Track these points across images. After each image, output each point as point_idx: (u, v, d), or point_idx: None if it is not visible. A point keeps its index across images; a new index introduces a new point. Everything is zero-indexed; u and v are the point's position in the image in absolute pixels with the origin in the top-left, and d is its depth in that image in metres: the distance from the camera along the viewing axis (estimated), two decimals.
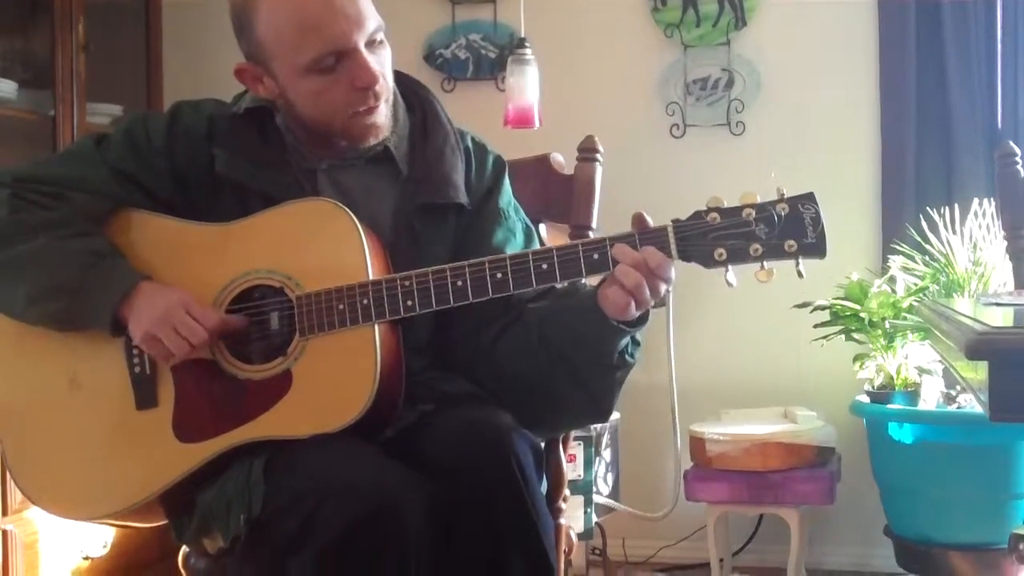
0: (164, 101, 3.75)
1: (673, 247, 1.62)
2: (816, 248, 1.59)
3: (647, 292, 1.62)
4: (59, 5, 3.31)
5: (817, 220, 1.59)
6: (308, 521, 1.56)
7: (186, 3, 3.95)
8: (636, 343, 1.74)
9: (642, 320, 1.69)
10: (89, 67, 3.40)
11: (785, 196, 1.60)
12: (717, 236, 1.61)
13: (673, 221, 1.64)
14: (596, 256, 1.64)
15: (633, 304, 1.63)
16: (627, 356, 1.73)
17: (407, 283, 1.67)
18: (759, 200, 1.61)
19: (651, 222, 1.65)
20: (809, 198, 1.60)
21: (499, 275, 1.66)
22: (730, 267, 1.61)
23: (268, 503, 1.61)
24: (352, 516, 1.54)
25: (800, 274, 1.61)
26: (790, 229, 1.59)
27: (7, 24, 3.44)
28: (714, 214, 1.62)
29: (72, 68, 3.34)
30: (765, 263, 1.60)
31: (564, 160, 2.13)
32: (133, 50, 3.77)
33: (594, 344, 1.70)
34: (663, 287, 1.64)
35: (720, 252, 1.61)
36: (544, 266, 1.65)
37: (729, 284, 1.62)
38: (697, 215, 1.63)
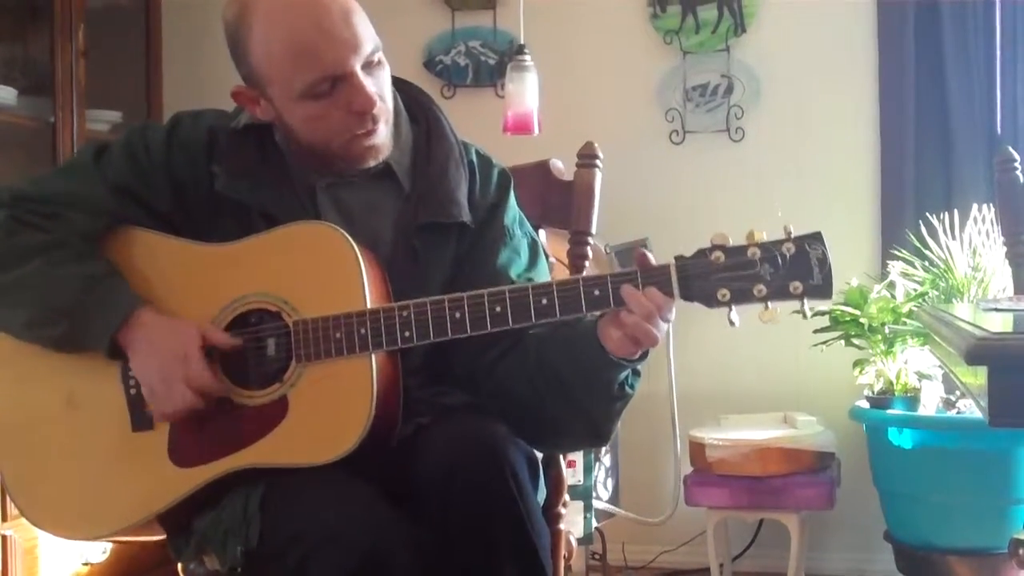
0: (164, 107, 3.76)
1: (675, 286, 1.59)
2: (822, 290, 1.55)
3: (650, 335, 1.61)
4: (59, 11, 3.31)
5: (824, 261, 1.55)
6: (301, 568, 1.55)
7: (186, 9, 3.96)
8: (637, 374, 1.72)
9: (643, 354, 1.67)
10: (89, 73, 3.40)
11: (792, 235, 1.56)
12: (721, 276, 1.57)
13: (676, 258, 1.60)
14: (597, 292, 1.61)
15: (638, 346, 1.63)
16: (627, 387, 1.72)
17: (405, 313, 1.65)
18: (765, 238, 1.57)
19: (653, 260, 1.62)
20: (816, 238, 1.56)
21: (498, 308, 1.63)
22: (733, 307, 1.58)
23: (264, 539, 1.61)
24: (345, 566, 1.53)
25: (804, 315, 1.58)
26: (796, 270, 1.55)
27: (7, 30, 3.45)
28: (718, 253, 1.57)
29: (72, 74, 3.34)
30: (769, 304, 1.57)
31: (564, 166, 2.13)
32: (133, 56, 3.78)
33: (594, 375, 1.68)
34: (664, 327, 1.62)
35: (723, 293, 1.57)
36: (544, 301, 1.62)
37: (732, 324, 1.58)
38: (701, 253, 1.59)
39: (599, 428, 1.77)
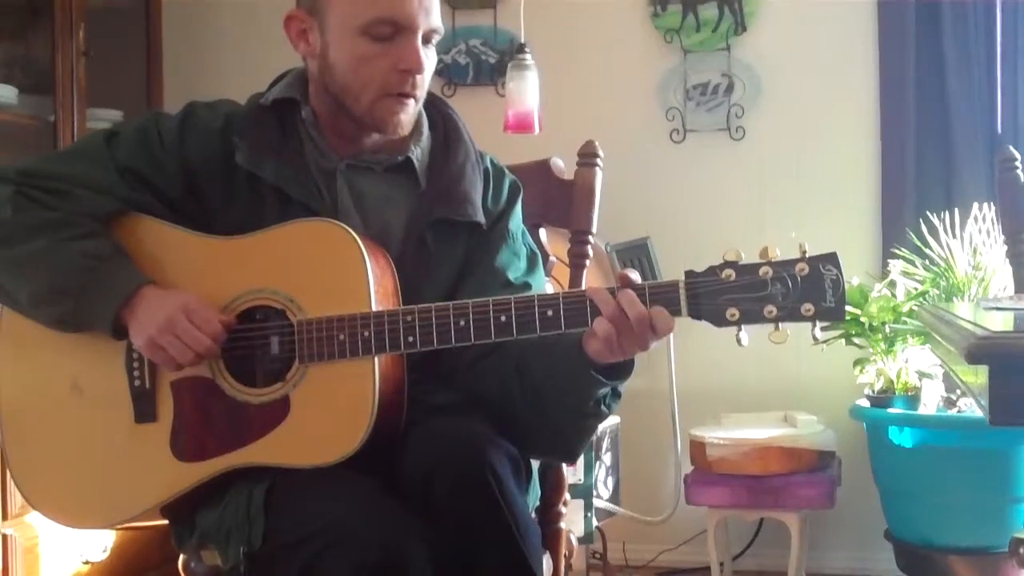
0: (164, 106, 3.75)
1: (683, 304, 1.55)
2: (835, 312, 1.51)
3: (638, 347, 1.57)
4: (60, 10, 3.31)
5: (837, 283, 1.51)
6: (310, 568, 1.53)
7: (186, 8, 3.96)
8: (616, 395, 1.69)
9: (627, 372, 1.65)
10: (90, 72, 3.40)
11: (807, 255, 1.52)
12: (731, 296, 1.53)
13: (686, 274, 1.56)
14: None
15: (623, 353, 1.58)
16: (603, 406, 1.68)
17: (409, 318, 1.64)
18: (779, 255, 1.53)
19: (637, 279, 1.57)
20: (831, 259, 1.52)
21: (503, 318, 1.61)
22: (742, 327, 1.54)
23: (268, 539, 1.60)
24: (363, 564, 1.50)
25: (815, 338, 1.55)
26: (808, 292, 1.51)
27: (8, 29, 3.45)
28: (729, 270, 1.53)
29: (72, 73, 3.34)
30: (780, 325, 1.53)
31: (564, 165, 2.13)
32: (134, 55, 3.78)
33: (571, 384, 1.65)
34: (656, 343, 1.58)
35: (733, 312, 1.53)
36: (549, 312, 1.60)
37: (740, 343, 1.54)
38: (711, 271, 1.54)
39: (568, 443, 1.75)
